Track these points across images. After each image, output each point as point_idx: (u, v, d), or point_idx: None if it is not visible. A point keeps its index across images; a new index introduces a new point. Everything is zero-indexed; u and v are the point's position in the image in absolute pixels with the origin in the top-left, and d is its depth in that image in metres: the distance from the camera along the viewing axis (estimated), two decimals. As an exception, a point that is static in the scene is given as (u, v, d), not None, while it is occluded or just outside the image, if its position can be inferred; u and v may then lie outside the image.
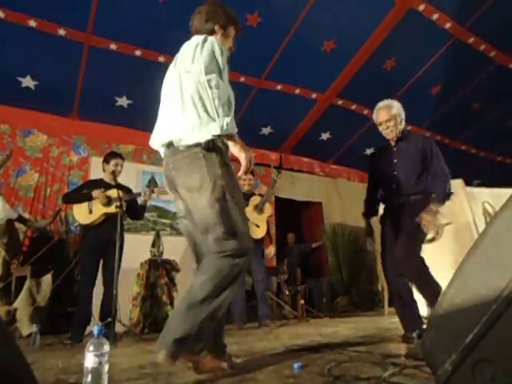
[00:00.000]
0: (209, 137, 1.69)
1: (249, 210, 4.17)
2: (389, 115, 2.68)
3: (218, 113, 1.64)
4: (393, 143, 2.76)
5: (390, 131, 2.70)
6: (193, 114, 1.72)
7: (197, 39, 1.78)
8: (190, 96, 1.71)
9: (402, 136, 2.73)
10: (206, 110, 1.68)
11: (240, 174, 1.77)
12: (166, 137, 1.80)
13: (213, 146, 1.71)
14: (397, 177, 2.67)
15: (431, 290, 2.35)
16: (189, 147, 1.72)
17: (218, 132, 1.65)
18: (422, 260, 2.47)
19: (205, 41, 1.75)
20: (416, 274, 2.45)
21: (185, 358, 1.54)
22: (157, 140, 1.89)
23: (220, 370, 1.62)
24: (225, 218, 1.66)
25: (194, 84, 1.69)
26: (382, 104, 2.77)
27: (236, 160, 1.79)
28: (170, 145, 1.80)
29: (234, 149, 1.74)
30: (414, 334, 2.37)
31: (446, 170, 2.59)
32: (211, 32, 1.91)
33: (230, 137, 1.71)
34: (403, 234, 2.52)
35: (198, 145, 1.70)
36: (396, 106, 2.72)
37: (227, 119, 1.64)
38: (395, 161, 2.71)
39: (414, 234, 2.50)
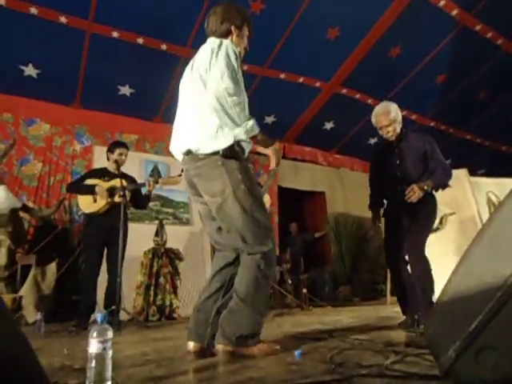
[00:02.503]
0: (230, 142, 1.73)
1: None
2: (388, 120, 2.72)
3: (240, 118, 1.70)
4: (393, 144, 2.80)
5: (390, 135, 2.77)
6: (212, 122, 1.75)
7: (211, 44, 1.79)
8: (209, 104, 1.72)
9: (401, 137, 2.79)
10: (228, 117, 1.70)
11: (272, 166, 1.88)
12: (185, 145, 1.84)
13: (230, 152, 1.76)
14: (400, 178, 2.74)
15: (426, 282, 2.52)
16: (207, 155, 1.77)
17: (243, 137, 1.73)
18: (426, 258, 2.61)
19: (220, 46, 1.76)
20: (420, 265, 2.57)
21: (244, 351, 1.71)
22: (176, 149, 1.94)
23: (275, 351, 1.75)
24: (252, 222, 1.76)
25: (212, 92, 1.69)
26: (379, 109, 2.80)
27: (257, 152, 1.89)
28: (188, 152, 1.84)
29: (260, 147, 1.86)
30: (416, 316, 2.52)
31: (447, 166, 2.69)
32: (227, 33, 1.91)
33: (255, 137, 1.78)
34: (413, 228, 2.65)
35: (216, 152, 1.75)
36: (393, 110, 2.76)
37: (250, 122, 1.72)
38: (398, 162, 2.77)
39: (422, 228, 2.66)
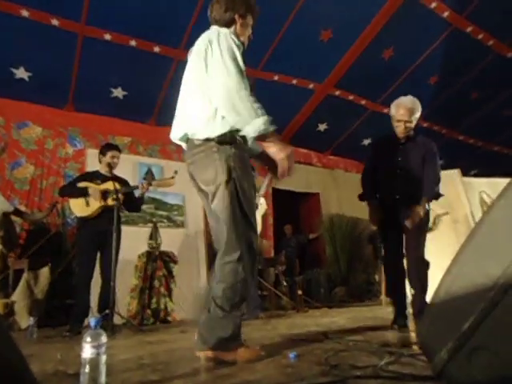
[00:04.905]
0: (225, 130, 1.69)
1: None
2: (411, 117, 2.69)
3: (251, 113, 1.60)
4: (401, 140, 2.78)
5: (405, 131, 2.73)
6: (210, 108, 1.71)
7: (209, 35, 1.76)
8: (214, 95, 1.68)
9: (410, 136, 2.78)
10: (236, 114, 1.62)
11: (280, 176, 1.74)
12: (182, 129, 1.82)
13: (226, 138, 1.71)
14: (399, 175, 2.73)
15: (422, 288, 2.57)
16: (203, 141, 1.73)
17: (262, 128, 1.60)
18: (426, 262, 2.66)
19: (218, 36, 1.71)
20: (419, 271, 2.62)
21: (225, 356, 1.66)
22: (175, 134, 1.90)
23: (258, 356, 1.68)
24: (235, 216, 1.70)
25: (220, 88, 1.63)
26: (407, 102, 2.73)
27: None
28: (186, 139, 1.83)
29: (272, 149, 1.69)
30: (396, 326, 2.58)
31: (439, 175, 2.70)
32: (231, 21, 1.87)
33: (270, 135, 1.66)
34: (412, 233, 2.66)
35: (211, 139, 1.71)
36: (419, 109, 2.73)
37: (267, 117, 1.62)
38: (400, 159, 2.75)
39: (420, 233, 2.68)
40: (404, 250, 2.74)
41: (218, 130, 1.71)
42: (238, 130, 1.72)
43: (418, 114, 2.73)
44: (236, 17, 1.88)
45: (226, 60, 1.65)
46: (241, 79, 1.63)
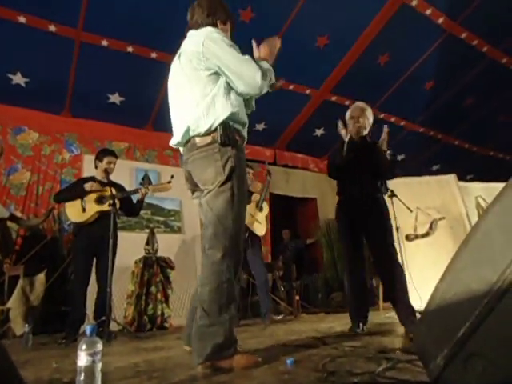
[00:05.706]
0: (228, 112, 1.75)
1: (252, 207, 4.20)
2: (362, 112, 2.94)
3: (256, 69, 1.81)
4: (358, 142, 2.92)
5: (358, 126, 2.92)
6: (207, 97, 1.77)
7: (197, 39, 1.83)
8: (219, 88, 1.78)
9: (367, 139, 2.95)
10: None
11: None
12: (184, 125, 1.82)
13: (228, 140, 1.75)
14: (361, 175, 2.83)
15: (404, 289, 2.62)
16: (205, 145, 1.76)
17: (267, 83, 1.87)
18: (399, 261, 2.77)
19: (210, 33, 1.81)
20: (397, 270, 2.68)
21: (222, 364, 1.63)
22: (176, 137, 1.92)
23: (255, 363, 1.66)
24: (226, 212, 1.72)
25: (247, 89, 1.81)
26: (360, 103, 3.03)
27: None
28: (187, 139, 1.84)
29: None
30: (359, 330, 2.69)
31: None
32: (212, 26, 1.92)
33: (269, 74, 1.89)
34: (381, 233, 2.75)
35: (214, 138, 1.74)
36: (371, 112, 3.00)
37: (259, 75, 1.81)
38: (360, 160, 2.85)
39: (387, 230, 2.77)
40: (372, 256, 2.82)
41: (220, 114, 1.75)
42: (237, 115, 1.80)
43: (370, 116, 2.95)
44: (218, 22, 1.95)
45: (225, 45, 1.78)
46: (259, 71, 1.82)
